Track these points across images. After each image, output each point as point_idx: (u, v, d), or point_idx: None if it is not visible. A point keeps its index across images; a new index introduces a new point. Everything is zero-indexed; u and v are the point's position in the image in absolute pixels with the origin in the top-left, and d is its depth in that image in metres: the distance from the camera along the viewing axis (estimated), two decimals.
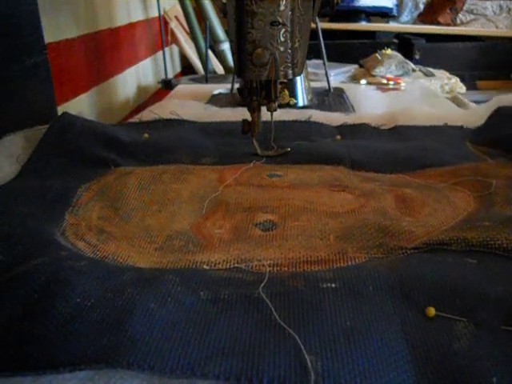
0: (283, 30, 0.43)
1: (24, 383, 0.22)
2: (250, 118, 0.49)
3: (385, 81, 0.96)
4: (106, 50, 1.03)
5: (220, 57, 1.45)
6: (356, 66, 1.18)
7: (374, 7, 1.71)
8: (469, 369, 0.21)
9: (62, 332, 0.23)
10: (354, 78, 1.10)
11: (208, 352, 0.22)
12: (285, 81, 0.49)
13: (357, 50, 1.48)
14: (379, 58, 1.09)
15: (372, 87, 0.92)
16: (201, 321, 0.24)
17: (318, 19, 0.74)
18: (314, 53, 0.88)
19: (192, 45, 1.53)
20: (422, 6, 1.77)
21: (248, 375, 0.21)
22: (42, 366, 0.22)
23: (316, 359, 0.21)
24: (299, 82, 0.75)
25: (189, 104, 0.75)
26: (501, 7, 1.72)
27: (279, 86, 0.47)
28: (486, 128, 0.56)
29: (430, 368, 0.21)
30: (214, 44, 1.43)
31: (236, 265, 0.31)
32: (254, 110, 0.49)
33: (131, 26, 1.23)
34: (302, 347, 0.22)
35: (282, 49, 0.43)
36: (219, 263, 0.31)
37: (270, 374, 0.21)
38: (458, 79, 1.12)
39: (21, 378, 0.22)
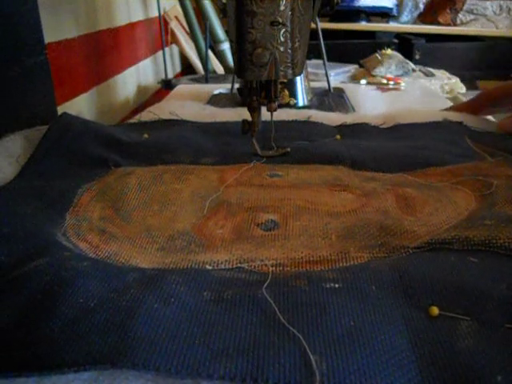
0: (283, 30, 0.43)
1: None
2: (250, 118, 0.49)
3: (385, 81, 0.97)
4: (105, 50, 1.03)
5: (220, 57, 1.45)
6: (356, 66, 1.18)
7: (373, 7, 1.71)
8: (473, 368, 0.21)
9: (66, 333, 0.23)
10: (354, 78, 1.11)
11: (213, 352, 0.22)
12: (285, 81, 0.48)
13: (357, 49, 1.48)
14: (379, 57, 1.09)
15: (372, 87, 0.92)
16: (205, 321, 0.24)
17: (318, 19, 0.74)
18: (313, 53, 0.88)
19: (192, 45, 1.53)
20: (422, 6, 1.78)
21: (253, 376, 0.21)
22: (46, 367, 0.22)
23: (321, 359, 0.21)
24: (299, 81, 0.75)
25: (189, 104, 0.75)
26: (501, 7, 1.72)
27: (279, 86, 0.47)
28: (487, 134, 0.56)
29: (435, 367, 0.21)
30: (214, 44, 1.43)
31: (239, 265, 0.31)
32: (254, 110, 0.49)
33: (131, 25, 1.23)
34: (307, 347, 0.22)
35: (281, 49, 0.43)
36: (222, 263, 0.31)
37: (275, 375, 0.21)
38: (458, 79, 1.12)
39: (25, 379, 0.22)
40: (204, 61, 1.36)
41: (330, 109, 0.73)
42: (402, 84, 0.95)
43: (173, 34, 1.60)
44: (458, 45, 1.62)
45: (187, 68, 1.73)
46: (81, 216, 0.38)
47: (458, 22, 1.75)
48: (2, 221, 0.35)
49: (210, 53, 1.44)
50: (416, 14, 1.79)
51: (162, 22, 1.44)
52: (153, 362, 0.21)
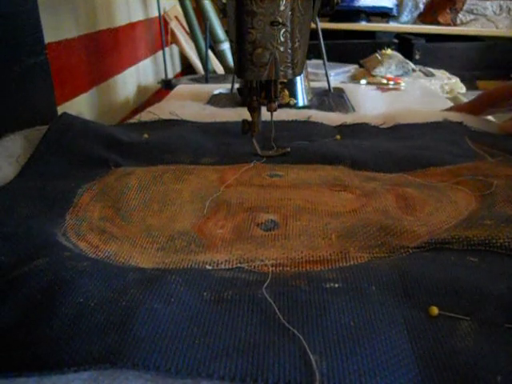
0: (283, 29, 0.43)
1: None
2: (250, 118, 0.49)
3: (385, 81, 0.96)
4: (106, 50, 1.03)
5: (220, 57, 1.45)
6: (356, 66, 1.18)
7: (374, 7, 1.71)
8: (473, 368, 0.21)
9: (66, 332, 0.23)
10: (354, 78, 1.11)
11: (213, 352, 0.22)
12: (285, 81, 0.48)
13: (357, 50, 1.48)
14: (379, 57, 1.09)
15: (372, 87, 0.92)
16: (205, 321, 0.24)
17: (318, 19, 0.74)
18: (313, 53, 0.88)
19: (192, 45, 1.53)
20: (422, 6, 1.78)
21: (253, 376, 0.21)
22: (46, 367, 0.22)
23: (321, 359, 0.21)
24: (299, 82, 0.75)
25: (189, 104, 0.75)
26: (501, 7, 1.72)
27: (279, 86, 0.47)
28: (487, 134, 0.56)
29: (435, 367, 0.21)
30: (214, 44, 1.43)
31: (239, 265, 0.31)
32: (254, 110, 0.49)
33: (131, 25, 1.23)
34: (307, 347, 0.22)
35: (281, 49, 0.43)
36: (222, 263, 0.31)
37: (274, 374, 0.21)
38: (458, 79, 1.12)
39: (25, 379, 0.22)
40: (204, 61, 1.36)
41: (330, 109, 0.73)
42: (402, 84, 0.94)
43: (173, 34, 1.60)
44: (458, 45, 1.62)
45: (187, 68, 1.73)
46: (81, 216, 0.38)
47: (458, 22, 1.75)
48: (2, 221, 0.35)
49: (210, 53, 1.44)
50: (416, 14, 1.79)
51: (162, 22, 1.44)
52: (153, 362, 0.21)
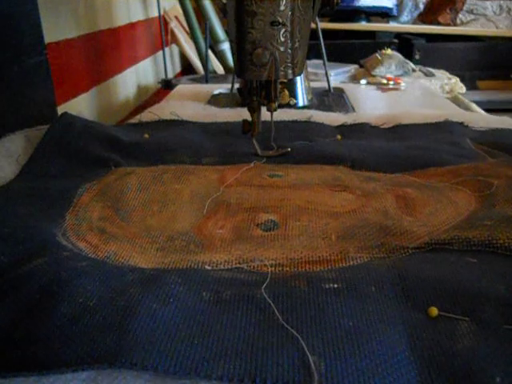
0: (283, 29, 0.43)
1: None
2: (249, 118, 0.49)
3: (385, 81, 0.96)
4: (106, 50, 1.03)
5: (220, 57, 1.45)
6: (356, 66, 1.18)
7: (374, 7, 1.71)
8: (472, 368, 0.21)
9: (65, 332, 0.23)
10: (354, 78, 1.10)
11: (211, 352, 0.22)
12: (285, 81, 0.48)
13: (357, 49, 1.48)
14: (379, 57, 1.09)
15: (372, 87, 0.92)
16: (203, 321, 0.24)
17: (318, 19, 0.74)
18: (313, 53, 0.88)
19: (192, 45, 1.53)
20: (421, 6, 1.78)
21: (251, 376, 0.21)
22: (45, 367, 0.22)
23: (319, 360, 0.21)
24: (299, 81, 0.75)
25: (189, 104, 0.75)
26: (501, 7, 1.72)
27: (279, 86, 0.47)
28: (488, 133, 0.56)
29: (434, 368, 0.21)
30: (214, 44, 1.43)
31: (238, 265, 0.31)
32: (254, 110, 0.49)
33: (131, 25, 1.23)
34: (305, 348, 0.22)
35: (282, 49, 0.43)
36: (221, 263, 0.31)
37: (273, 375, 0.21)
38: (458, 79, 1.12)
39: (24, 379, 0.22)
40: (204, 61, 1.36)
41: (330, 109, 0.73)
42: (402, 84, 0.94)
43: (173, 34, 1.60)
44: (457, 45, 1.62)
45: (187, 68, 1.73)
46: (81, 216, 0.38)
47: (458, 22, 1.75)
48: (2, 221, 0.35)
49: (210, 53, 1.44)
50: (416, 13, 1.79)
51: (162, 22, 1.44)
52: (151, 362, 0.21)
